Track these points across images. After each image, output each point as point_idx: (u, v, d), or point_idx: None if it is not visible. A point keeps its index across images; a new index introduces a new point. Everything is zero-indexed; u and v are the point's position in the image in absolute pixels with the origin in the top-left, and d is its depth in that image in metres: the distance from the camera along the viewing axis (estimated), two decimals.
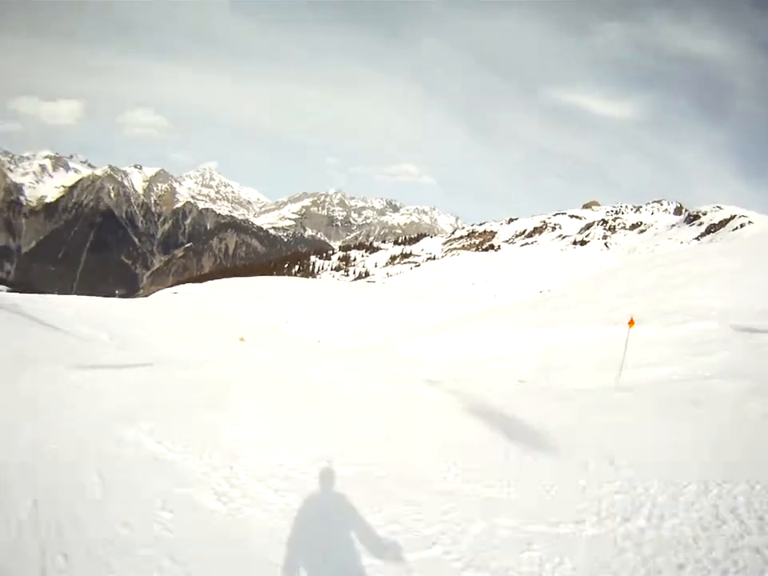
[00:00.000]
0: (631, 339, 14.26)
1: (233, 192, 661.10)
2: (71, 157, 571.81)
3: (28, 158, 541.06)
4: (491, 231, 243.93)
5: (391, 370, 15.74)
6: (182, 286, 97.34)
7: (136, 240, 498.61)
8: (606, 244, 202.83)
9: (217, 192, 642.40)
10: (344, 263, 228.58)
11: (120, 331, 30.61)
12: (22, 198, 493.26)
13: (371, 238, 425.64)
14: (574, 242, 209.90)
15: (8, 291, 67.46)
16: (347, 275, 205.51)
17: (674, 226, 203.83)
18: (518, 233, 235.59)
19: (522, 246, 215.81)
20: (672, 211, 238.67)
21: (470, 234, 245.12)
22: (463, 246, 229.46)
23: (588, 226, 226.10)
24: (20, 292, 53.52)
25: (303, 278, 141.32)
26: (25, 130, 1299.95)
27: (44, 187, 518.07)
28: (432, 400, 10.75)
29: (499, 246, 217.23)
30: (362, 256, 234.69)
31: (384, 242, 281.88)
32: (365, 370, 15.32)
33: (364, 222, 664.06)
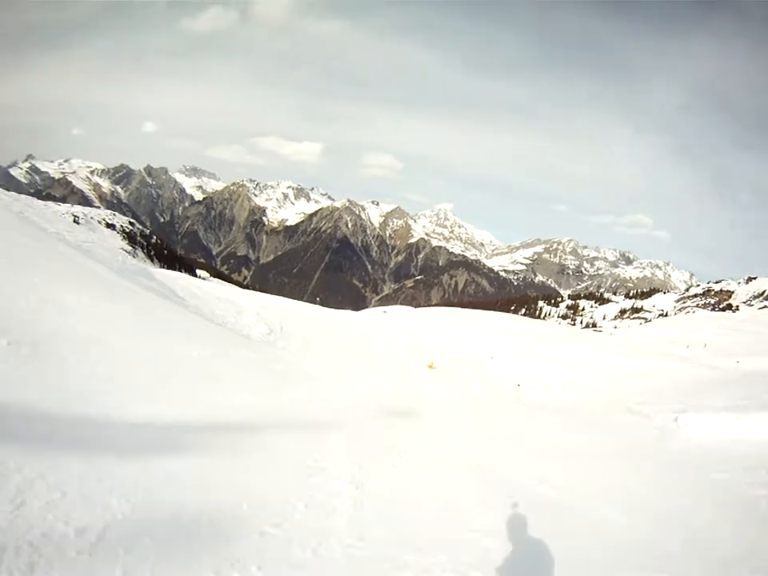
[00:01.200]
0: None
1: (466, 233, 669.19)
2: (312, 189, 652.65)
3: (272, 187, 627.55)
4: (727, 291, 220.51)
5: None
6: (394, 306, 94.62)
7: (369, 267, 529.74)
8: None
9: (451, 232, 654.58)
10: (572, 311, 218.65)
11: (289, 330, 28.26)
12: (264, 218, 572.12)
13: (602, 290, 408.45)
14: None
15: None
16: (574, 324, 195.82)
17: None
18: (756, 293, 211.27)
19: (760, 308, 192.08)
20: None
21: (705, 293, 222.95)
22: (697, 304, 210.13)
23: None
24: None
25: (522, 317, 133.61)
26: (268, 164, 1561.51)
27: (285, 212, 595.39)
28: None
29: (737, 306, 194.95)
30: (591, 306, 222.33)
31: (615, 294, 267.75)
32: None
33: (596, 273, 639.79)
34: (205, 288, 32.78)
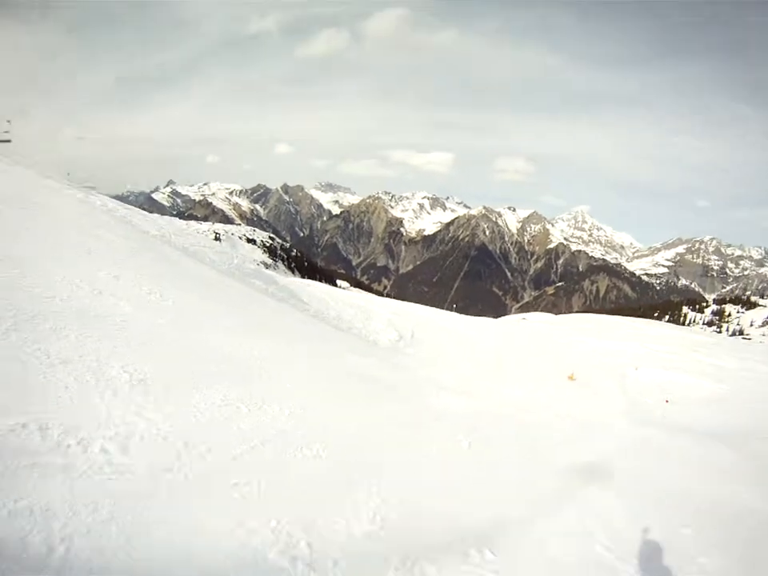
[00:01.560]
0: None
1: (605, 236, 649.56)
2: (447, 198, 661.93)
3: (407, 198, 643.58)
4: None
5: None
6: (534, 313, 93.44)
7: (508, 274, 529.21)
8: None
9: (589, 235, 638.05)
10: (717, 317, 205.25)
11: (420, 337, 27.92)
12: (402, 229, 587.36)
13: (748, 292, 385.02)
14: None
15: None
16: (720, 331, 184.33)
17: None
18: None
19: None
20: None
21: None
22: None
23: None
24: None
25: (666, 323, 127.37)
26: (400, 176, 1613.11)
27: (422, 222, 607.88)
28: None
29: None
30: (738, 312, 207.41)
31: (763, 296, 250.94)
32: None
33: (741, 274, 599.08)
34: (335, 295, 33.16)
